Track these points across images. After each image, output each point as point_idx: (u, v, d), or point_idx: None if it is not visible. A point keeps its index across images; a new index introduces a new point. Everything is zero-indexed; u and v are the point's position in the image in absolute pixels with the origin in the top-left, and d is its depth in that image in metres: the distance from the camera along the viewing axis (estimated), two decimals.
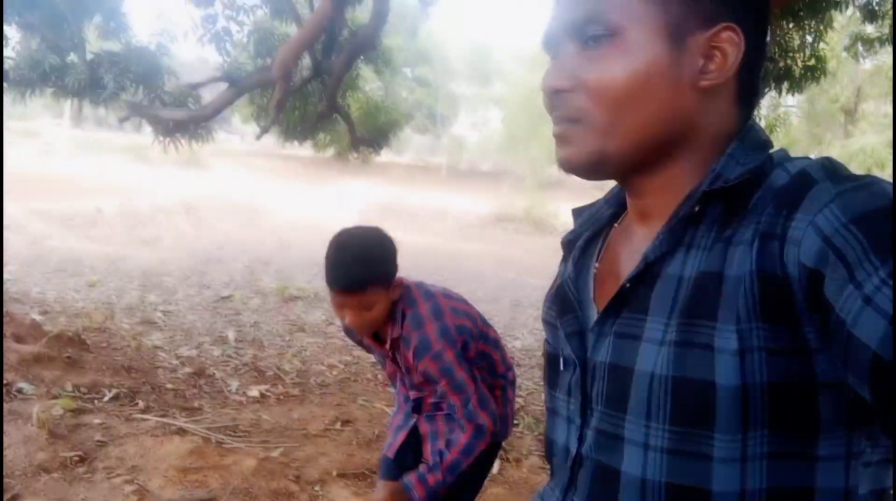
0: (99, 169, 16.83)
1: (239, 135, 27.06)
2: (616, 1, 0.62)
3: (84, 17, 5.16)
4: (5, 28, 4.88)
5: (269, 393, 4.09)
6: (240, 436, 3.20)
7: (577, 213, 0.83)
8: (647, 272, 0.64)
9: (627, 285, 0.65)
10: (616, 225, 0.77)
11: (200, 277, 7.82)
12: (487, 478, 1.96)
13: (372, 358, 2.64)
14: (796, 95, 6.98)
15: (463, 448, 1.68)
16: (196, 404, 3.59)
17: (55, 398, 3.12)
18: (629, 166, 0.65)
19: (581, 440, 0.69)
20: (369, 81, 9.64)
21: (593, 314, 0.71)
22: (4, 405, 2.90)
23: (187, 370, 4.23)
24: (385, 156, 11.93)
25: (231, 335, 5.39)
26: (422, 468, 1.70)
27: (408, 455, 1.90)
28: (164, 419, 3.13)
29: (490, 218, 16.85)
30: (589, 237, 0.79)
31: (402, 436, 1.91)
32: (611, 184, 0.75)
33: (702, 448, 0.58)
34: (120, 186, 14.34)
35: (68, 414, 2.96)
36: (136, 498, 2.41)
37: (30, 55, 4.99)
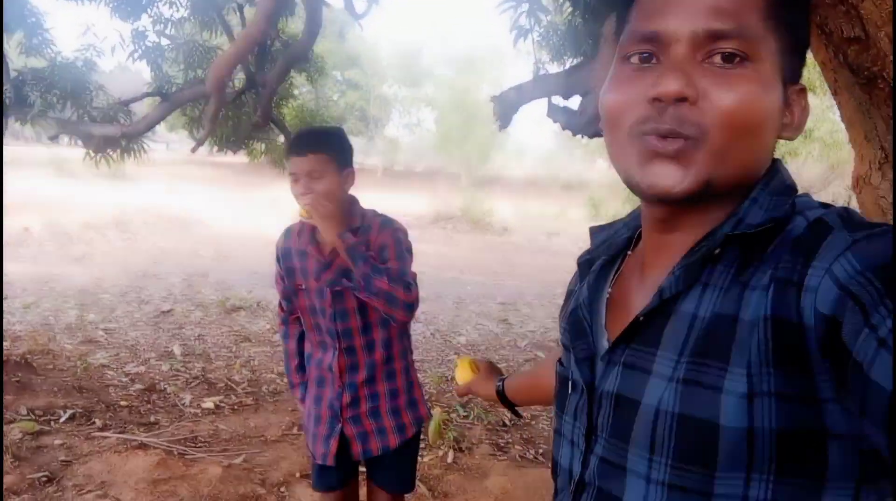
0: (20, 185, 16.10)
1: (164, 143, 26.31)
2: (758, 29, 0.60)
3: (4, 34, 5.05)
4: None
5: (223, 404, 4.15)
6: (200, 447, 3.28)
7: (594, 232, 0.84)
8: (662, 307, 0.64)
9: (641, 318, 0.65)
10: (630, 252, 0.77)
11: (138, 292, 7.68)
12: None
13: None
14: None
15: (392, 277, 1.77)
16: (152, 419, 3.63)
17: (11, 422, 3.12)
18: (721, 193, 0.64)
19: (585, 465, 0.70)
20: (300, 86, 9.63)
21: (604, 341, 0.72)
22: None
23: (138, 386, 4.25)
24: None
25: (177, 349, 5.39)
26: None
27: (343, 456, 1.97)
28: (124, 436, 3.18)
29: (428, 218, 17.01)
30: (605, 261, 0.79)
31: (333, 445, 1.95)
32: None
33: (703, 486, 0.58)
34: (45, 203, 13.78)
35: (28, 437, 2.97)
36: None
37: None
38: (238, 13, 5.72)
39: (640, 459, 0.62)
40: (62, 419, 3.32)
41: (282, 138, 8.25)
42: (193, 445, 3.28)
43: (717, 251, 0.61)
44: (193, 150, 6.04)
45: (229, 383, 4.62)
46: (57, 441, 3.01)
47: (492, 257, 12.60)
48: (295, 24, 7.02)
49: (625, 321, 0.68)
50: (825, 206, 0.62)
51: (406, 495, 2.14)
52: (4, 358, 3.80)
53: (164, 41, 5.74)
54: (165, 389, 4.29)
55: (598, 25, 4.39)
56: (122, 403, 3.84)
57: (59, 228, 12.00)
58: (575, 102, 3.99)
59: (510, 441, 3.83)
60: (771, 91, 0.61)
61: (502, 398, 1.26)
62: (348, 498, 2.11)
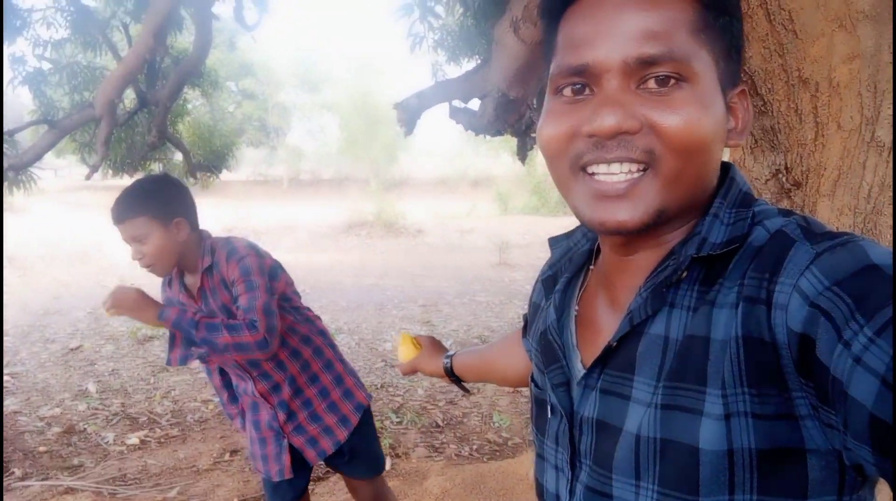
0: None
1: (52, 170, 24.79)
2: (688, 47, 0.59)
3: None
4: None
5: (148, 438, 4.02)
6: (130, 485, 3.17)
7: (553, 242, 0.83)
8: (631, 331, 0.64)
9: (614, 344, 0.65)
10: (592, 267, 0.76)
11: (42, 331, 7.26)
12: (382, 473, 2.13)
13: None
14: None
15: (230, 324, 1.76)
16: (76, 461, 3.47)
17: None
18: (677, 219, 0.64)
19: (572, 492, 0.69)
20: (193, 101, 9.34)
21: (577, 363, 0.71)
22: None
23: (56, 429, 4.04)
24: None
25: (92, 386, 5.15)
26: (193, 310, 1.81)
27: (298, 467, 2.04)
28: (48, 482, 3.03)
29: (341, 226, 16.87)
30: (568, 277, 0.78)
31: (286, 460, 2.00)
32: None
33: None
34: None
35: None
36: None
37: None
38: (123, 31, 5.50)
39: (627, 486, 0.62)
40: None
41: (179, 156, 8.01)
42: (123, 483, 3.17)
43: (683, 275, 0.61)
44: (88, 177, 5.76)
45: (151, 416, 4.46)
46: None
47: (409, 259, 12.66)
48: (183, 39, 6.81)
49: (596, 342, 0.69)
50: (784, 213, 0.61)
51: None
52: None
53: (46, 65, 5.44)
54: (85, 429, 4.09)
55: (490, 26, 4.54)
56: (41, 448, 3.65)
57: None
58: (474, 104, 4.12)
59: (444, 441, 3.91)
60: (712, 106, 0.60)
61: (450, 374, 1.25)
62: None
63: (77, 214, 18.41)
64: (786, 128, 1.70)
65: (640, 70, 0.58)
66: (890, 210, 1.57)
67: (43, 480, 3.07)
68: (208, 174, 8.08)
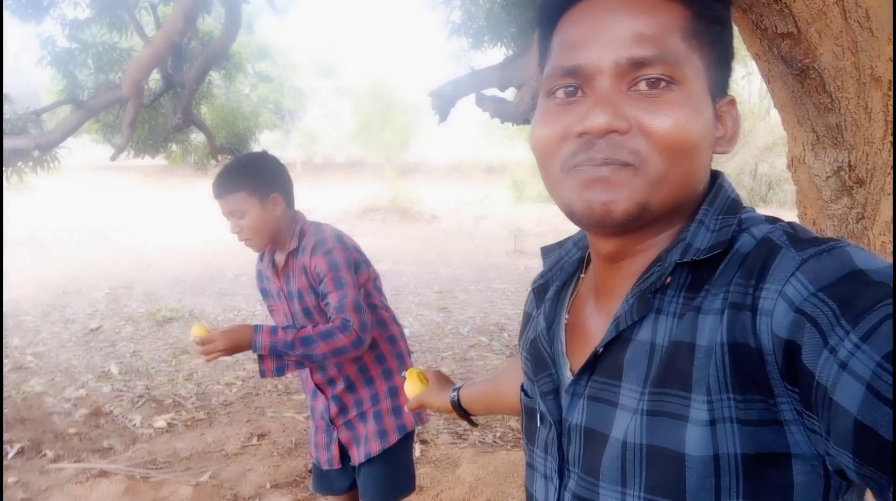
0: None
1: (67, 149, 24.85)
2: (679, 51, 0.60)
3: None
4: None
5: (175, 421, 4.05)
6: (162, 468, 3.19)
7: (545, 251, 0.84)
8: (618, 338, 0.64)
9: (600, 350, 0.65)
10: (583, 275, 0.77)
11: (62, 311, 7.31)
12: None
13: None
14: None
15: (323, 331, 1.75)
16: (105, 444, 3.50)
17: None
18: (660, 219, 0.64)
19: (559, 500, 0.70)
20: (216, 83, 9.34)
21: (566, 371, 0.71)
22: None
23: (83, 411, 4.07)
24: None
25: (114, 368, 5.19)
26: (283, 329, 1.80)
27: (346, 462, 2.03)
28: (82, 465, 3.06)
29: (356, 211, 16.86)
30: (559, 286, 0.79)
31: (335, 450, 2.00)
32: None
33: None
34: None
35: None
36: None
37: None
38: (151, 12, 5.47)
39: (613, 493, 0.61)
40: (10, 455, 3.15)
41: (200, 138, 8.00)
42: (155, 467, 3.19)
43: (667, 281, 0.62)
44: (113, 157, 5.78)
45: (176, 399, 4.49)
46: (11, 479, 2.85)
47: (424, 245, 12.66)
48: (208, 21, 6.79)
49: (584, 349, 0.68)
50: (771, 221, 0.62)
51: None
52: None
53: (74, 45, 5.43)
54: (112, 411, 4.13)
55: (521, 13, 4.48)
56: (71, 430, 3.68)
57: None
58: (508, 93, 4.08)
59: (467, 427, 3.91)
60: (702, 111, 0.61)
61: (457, 407, 1.23)
62: None
63: (93, 194, 18.50)
64: (853, 125, 1.67)
65: (632, 72, 0.60)
66: None
67: (76, 462, 3.10)
68: (230, 157, 8.08)
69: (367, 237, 13.93)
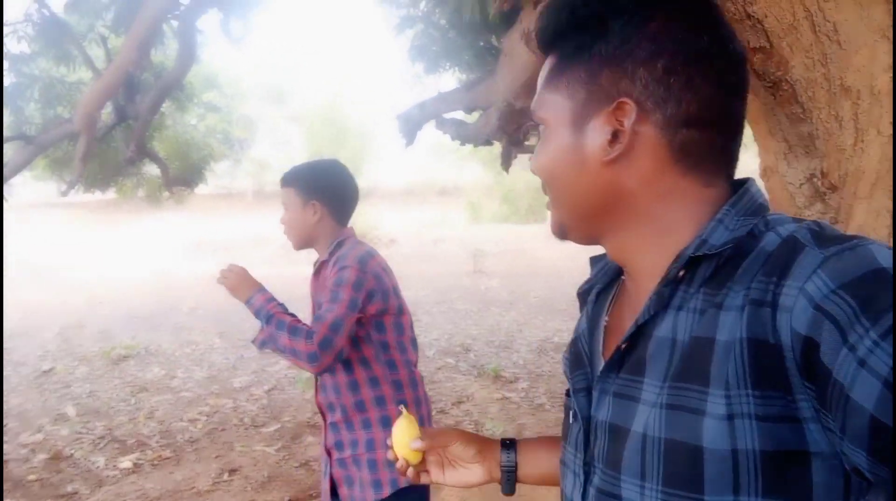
0: None
1: (9, 186, 23.95)
2: (544, 98, 0.72)
3: None
4: None
5: (141, 461, 3.90)
6: None
7: (594, 261, 0.86)
8: (640, 334, 0.66)
9: (623, 346, 0.67)
10: (623, 277, 0.79)
11: (10, 354, 6.99)
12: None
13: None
14: None
15: (295, 327, 1.74)
16: (70, 488, 3.34)
17: None
18: (588, 233, 0.73)
19: (584, 496, 0.71)
20: (170, 115, 9.19)
21: (599, 368, 0.73)
22: None
23: (42, 456, 3.89)
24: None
25: (71, 410, 4.98)
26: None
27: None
28: None
29: None
30: (600, 289, 0.82)
31: (326, 485, 1.92)
32: None
33: None
34: None
35: None
36: None
37: None
38: (102, 44, 5.35)
39: (633, 486, 0.62)
40: None
41: (153, 171, 7.83)
42: None
43: (681, 274, 0.63)
44: (65, 193, 5.61)
45: (140, 438, 4.33)
46: None
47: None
48: (160, 52, 6.68)
49: (615, 347, 0.70)
50: (798, 221, 0.62)
51: None
52: None
53: (20, 79, 5.27)
54: (73, 454, 3.95)
55: (476, 38, 4.55)
56: (31, 477, 3.50)
57: None
58: (464, 114, 4.13)
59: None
60: (555, 142, 0.70)
61: (508, 471, 0.96)
62: None
63: (36, 232, 17.86)
64: (825, 134, 1.74)
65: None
66: None
67: None
68: (183, 188, 7.94)
69: None
